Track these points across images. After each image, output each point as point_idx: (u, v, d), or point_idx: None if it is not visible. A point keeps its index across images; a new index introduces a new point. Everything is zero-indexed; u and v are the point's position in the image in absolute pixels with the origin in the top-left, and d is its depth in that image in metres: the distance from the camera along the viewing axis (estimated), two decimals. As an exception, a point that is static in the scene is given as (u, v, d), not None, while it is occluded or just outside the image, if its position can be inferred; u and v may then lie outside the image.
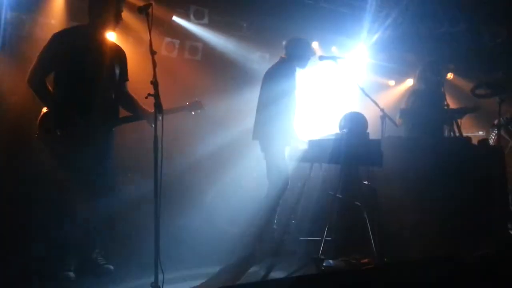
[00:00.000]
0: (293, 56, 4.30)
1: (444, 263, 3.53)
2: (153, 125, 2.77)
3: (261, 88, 4.31)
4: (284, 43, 4.40)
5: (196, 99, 3.49)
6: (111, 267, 3.35)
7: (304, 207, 4.92)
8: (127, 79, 3.47)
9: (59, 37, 3.17)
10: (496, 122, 5.46)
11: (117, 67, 3.33)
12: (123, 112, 3.50)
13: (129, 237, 4.23)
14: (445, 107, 4.45)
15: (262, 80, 4.34)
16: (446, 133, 4.58)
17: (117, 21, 3.28)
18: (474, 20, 6.39)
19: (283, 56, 4.37)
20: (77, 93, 3.11)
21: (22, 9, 5.03)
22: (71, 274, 3.14)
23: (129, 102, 3.45)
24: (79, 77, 3.11)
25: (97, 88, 3.17)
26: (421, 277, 3.41)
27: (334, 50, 6.84)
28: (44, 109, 3.14)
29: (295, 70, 4.26)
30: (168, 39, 6.41)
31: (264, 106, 4.23)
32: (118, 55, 3.37)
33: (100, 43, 3.24)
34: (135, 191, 4.68)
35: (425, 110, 4.62)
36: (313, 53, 4.39)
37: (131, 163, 5.20)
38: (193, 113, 3.50)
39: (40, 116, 3.13)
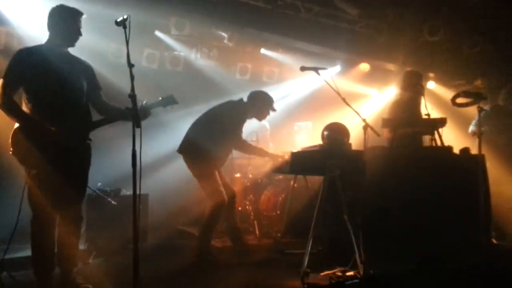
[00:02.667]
0: (252, 106, 4.51)
1: (429, 274, 3.52)
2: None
3: (215, 109, 4.50)
4: (249, 92, 4.59)
5: (169, 93, 3.40)
6: (90, 286, 3.27)
7: (288, 219, 4.88)
8: (100, 89, 3.48)
9: (24, 54, 3.14)
10: (470, 130, 5.52)
11: (83, 80, 3.34)
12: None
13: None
14: (426, 116, 4.47)
15: (222, 104, 4.53)
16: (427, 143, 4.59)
17: (76, 37, 3.30)
18: (452, 29, 6.49)
19: (245, 100, 4.54)
20: (47, 107, 3.10)
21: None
22: None
23: (108, 108, 3.44)
24: (47, 92, 3.10)
25: (67, 101, 3.18)
26: (407, 289, 3.40)
27: (315, 60, 6.85)
28: (16, 125, 3.09)
29: (245, 119, 4.49)
30: (148, 50, 6.35)
31: (204, 125, 4.42)
32: (83, 68, 3.39)
33: (63, 59, 3.25)
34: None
35: (406, 119, 4.64)
36: (273, 109, 4.59)
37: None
38: (167, 108, 3.42)
39: (12, 133, 3.08)
